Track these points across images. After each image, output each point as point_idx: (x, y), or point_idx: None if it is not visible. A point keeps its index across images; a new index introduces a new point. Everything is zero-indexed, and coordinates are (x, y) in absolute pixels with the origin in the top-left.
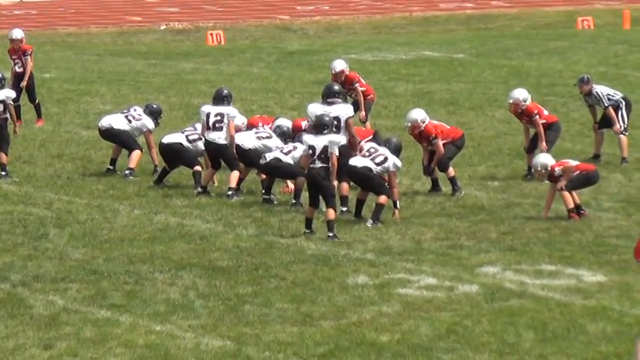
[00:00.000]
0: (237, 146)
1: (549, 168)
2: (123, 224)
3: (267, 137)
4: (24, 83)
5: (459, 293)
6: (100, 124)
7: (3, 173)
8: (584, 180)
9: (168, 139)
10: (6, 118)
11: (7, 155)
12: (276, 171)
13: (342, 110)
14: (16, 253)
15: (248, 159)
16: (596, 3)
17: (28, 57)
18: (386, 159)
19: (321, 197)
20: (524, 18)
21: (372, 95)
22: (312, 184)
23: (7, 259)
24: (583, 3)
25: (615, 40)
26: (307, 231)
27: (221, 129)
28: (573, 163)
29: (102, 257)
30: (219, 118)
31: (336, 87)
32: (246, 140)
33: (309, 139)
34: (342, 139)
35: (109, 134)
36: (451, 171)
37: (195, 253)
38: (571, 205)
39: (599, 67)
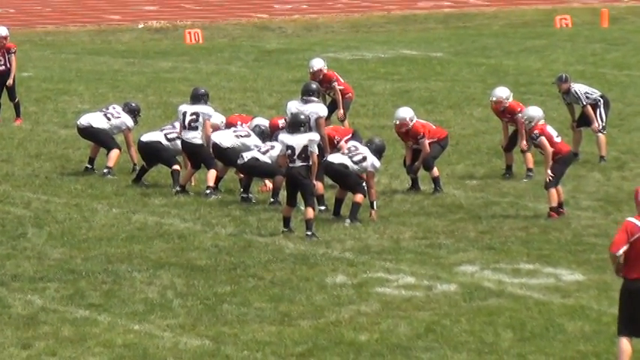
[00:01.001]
0: (216, 145)
1: (532, 124)
2: (101, 223)
3: (245, 136)
4: (10, 81)
5: (438, 292)
6: (78, 123)
7: None
8: (564, 165)
9: (146, 137)
10: None
11: None
12: (254, 170)
13: (314, 109)
14: None
15: (226, 158)
16: (574, 2)
17: (12, 55)
18: (365, 158)
19: (299, 196)
20: (502, 17)
21: (350, 94)
22: (292, 182)
23: None
24: (561, 1)
25: (593, 38)
26: (285, 230)
27: (196, 128)
28: (556, 139)
29: (80, 257)
30: (194, 117)
31: (314, 85)
32: (225, 139)
33: (285, 138)
34: (319, 137)
35: (87, 132)
36: (435, 171)
37: (173, 252)
38: (554, 204)
39: (578, 65)
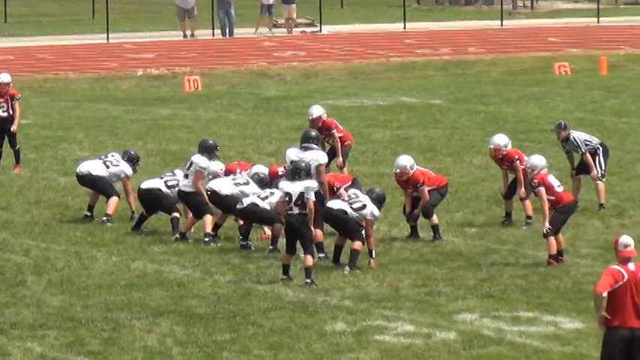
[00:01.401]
0: (214, 192)
1: (535, 172)
2: (101, 271)
3: (244, 184)
4: (14, 127)
5: (437, 340)
6: (77, 170)
7: None
8: (565, 215)
9: (146, 184)
10: None
11: None
12: (253, 216)
13: (314, 156)
14: None
15: (225, 205)
16: (573, 49)
17: (16, 102)
18: (365, 206)
19: (298, 243)
20: (501, 64)
21: (349, 141)
22: (291, 230)
23: None
24: (560, 49)
25: (592, 85)
26: (285, 277)
27: (187, 177)
28: (558, 188)
29: (79, 304)
30: (188, 165)
31: (313, 133)
32: (224, 186)
33: (285, 185)
34: (316, 184)
35: (86, 180)
36: (435, 218)
37: (172, 300)
38: (554, 252)
39: (577, 112)
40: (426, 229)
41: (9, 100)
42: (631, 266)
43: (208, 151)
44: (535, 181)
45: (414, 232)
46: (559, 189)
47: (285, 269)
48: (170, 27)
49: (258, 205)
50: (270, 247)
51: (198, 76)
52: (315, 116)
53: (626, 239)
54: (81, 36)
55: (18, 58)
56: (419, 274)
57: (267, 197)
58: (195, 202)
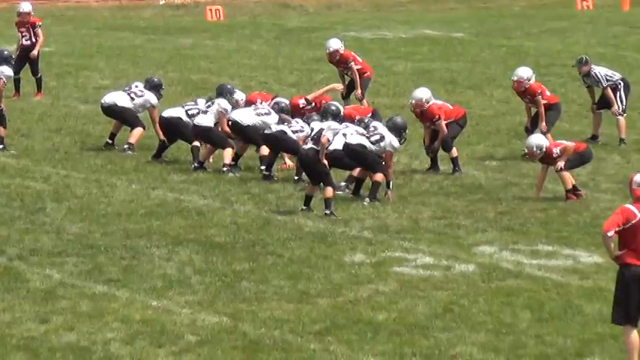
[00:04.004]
0: (236, 122)
1: (544, 149)
2: (120, 199)
3: (265, 114)
4: (35, 52)
5: (456, 272)
6: (102, 101)
7: (0, 146)
8: (580, 159)
9: (168, 113)
10: None
11: (5, 128)
12: (278, 143)
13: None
14: (13, 227)
15: (246, 135)
16: None
17: (39, 28)
18: (383, 138)
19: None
20: None
21: (368, 73)
22: (302, 164)
23: (4, 233)
24: None
25: (614, 21)
26: (304, 208)
27: (206, 113)
28: (570, 143)
29: (99, 232)
30: (209, 104)
31: (333, 107)
32: (245, 117)
33: (315, 124)
34: (340, 128)
35: (111, 111)
36: (454, 151)
37: (192, 229)
38: (569, 186)
39: (598, 47)
40: (446, 162)
41: (30, 29)
42: None
43: (225, 93)
44: (555, 150)
45: (433, 165)
46: (571, 144)
47: (307, 200)
48: None
49: (285, 133)
50: (295, 178)
51: (221, 6)
52: (332, 49)
53: None
54: None
55: None
56: (438, 207)
57: (297, 131)
58: (210, 138)
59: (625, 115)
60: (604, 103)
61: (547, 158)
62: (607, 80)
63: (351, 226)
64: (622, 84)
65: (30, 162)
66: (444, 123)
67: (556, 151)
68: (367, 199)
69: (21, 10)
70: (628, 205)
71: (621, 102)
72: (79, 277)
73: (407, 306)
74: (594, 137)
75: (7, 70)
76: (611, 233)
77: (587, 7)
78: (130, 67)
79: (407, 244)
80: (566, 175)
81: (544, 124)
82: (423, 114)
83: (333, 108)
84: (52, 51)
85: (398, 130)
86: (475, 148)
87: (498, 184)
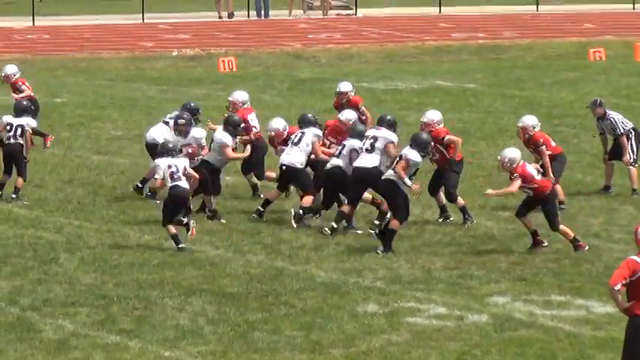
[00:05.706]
0: (289, 167)
1: (514, 166)
2: (133, 249)
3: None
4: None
5: (469, 323)
6: (146, 138)
7: (14, 196)
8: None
9: (152, 135)
10: (22, 144)
11: (24, 181)
12: (339, 181)
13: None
14: (26, 277)
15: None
16: (608, 34)
17: (24, 87)
18: (376, 139)
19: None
20: (537, 49)
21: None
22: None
23: (17, 283)
24: (594, 34)
25: (627, 71)
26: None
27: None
28: (536, 176)
29: (112, 282)
30: (299, 135)
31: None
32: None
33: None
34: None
35: (153, 148)
36: (460, 200)
37: (205, 279)
38: (571, 235)
39: (611, 98)
40: (457, 213)
41: (17, 90)
42: None
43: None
44: (516, 174)
45: (443, 212)
46: (538, 177)
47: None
48: (205, 8)
49: (342, 169)
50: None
51: (233, 57)
52: (341, 90)
53: None
54: (116, 16)
55: (53, 37)
56: (451, 257)
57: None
58: (299, 180)
59: (637, 165)
60: (616, 154)
61: (510, 173)
62: (623, 127)
63: (364, 277)
64: (633, 133)
65: (43, 212)
66: (453, 138)
67: (516, 175)
68: (381, 249)
69: (2, 74)
70: (633, 257)
71: (633, 152)
72: (91, 328)
73: (420, 356)
74: (607, 188)
75: (32, 122)
76: (618, 287)
77: (599, 58)
78: (143, 118)
79: (419, 294)
80: (563, 227)
81: (550, 175)
82: (431, 134)
83: (359, 127)
84: (64, 102)
85: (421, 145)
86: (488, 199)
87: (511, 235)
